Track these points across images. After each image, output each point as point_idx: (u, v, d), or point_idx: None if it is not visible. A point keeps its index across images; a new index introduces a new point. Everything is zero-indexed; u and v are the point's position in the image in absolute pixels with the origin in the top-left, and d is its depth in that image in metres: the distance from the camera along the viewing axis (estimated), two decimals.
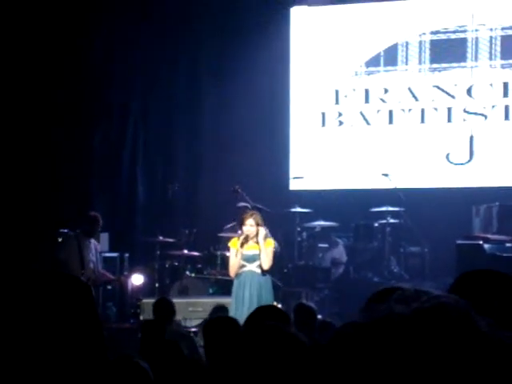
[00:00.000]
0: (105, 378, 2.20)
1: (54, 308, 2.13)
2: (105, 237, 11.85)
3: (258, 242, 8.77)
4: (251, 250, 8.80)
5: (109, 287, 11.57)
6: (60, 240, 11.26)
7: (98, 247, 10.93)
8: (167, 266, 11.86)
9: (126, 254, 12.21)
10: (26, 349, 2.07)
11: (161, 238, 11.83)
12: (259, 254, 8.78)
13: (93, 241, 10.80)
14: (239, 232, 9.08)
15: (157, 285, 11.62)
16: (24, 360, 2.06)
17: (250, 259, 8.79)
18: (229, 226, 11.58)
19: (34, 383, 2.04)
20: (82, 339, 2.14)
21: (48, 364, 2.07)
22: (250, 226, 8.76)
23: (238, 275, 8.86)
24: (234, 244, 8.93)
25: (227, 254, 10.96)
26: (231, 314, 8.11)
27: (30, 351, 2.07)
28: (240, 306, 8.58)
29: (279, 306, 9.09)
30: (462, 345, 1.02)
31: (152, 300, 9.19)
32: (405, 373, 1.01)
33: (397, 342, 1.03)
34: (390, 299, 1.11)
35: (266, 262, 8.78)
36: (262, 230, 8.83)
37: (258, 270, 8.78)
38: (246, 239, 8.79)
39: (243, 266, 8.81)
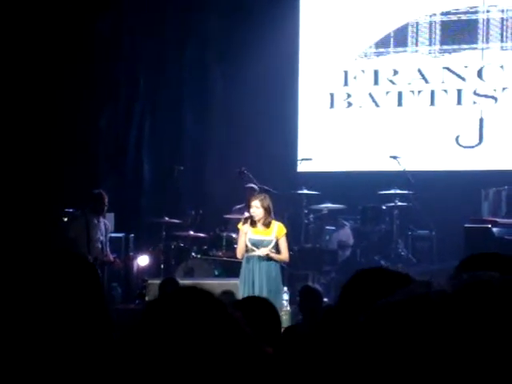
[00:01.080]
0: (109, 356, 2.16)
1: (60, 287, 2.10)
2: (110, 217, 11.81)
3: (267, 225, 8.64)
4: (260, 235, 8.68)
5: (117, 268, 11.56)
6: (66, 220, 11.24)
7: (109, 227, 10.91)
8: (173, 247, 11.82)
9: (132, 235, 12.19)
10: (33, 327, 2.04)
11: (167, 218, 11.79)
12: (269, 241, 8.65)
13: (103, 220, 10.79)
14: (245, 214, 8.99)
15: (162, 266, 11.59)
16: (32, 337, 2.03)
17: (259, 244, 8.66)
18: (237, 207, 11.53)
19: (42, 362, 2.01)
20: (87, 318, 2.10)
21: (55, 342, 2.04)
22: (255, 207, 8.63)
23: (247, 259, 8.73)
24: (240, 226, 8.84)
25: (233, 235, 10.93)
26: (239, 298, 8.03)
27: (37, 329, 2.04)
28: (249, 292, 8.45)
29: (285, 289, 9.03)
30: (505, 321, 0.98)
31: (158, 281, 9.17)
32: (443, 351, 0.98)
33: (438, 320, 1.00)
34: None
35: (286, 255, 8.71)
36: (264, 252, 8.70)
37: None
38: (253, 221, 8.67)
39: (252, 250, 8.70)
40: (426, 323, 1.00)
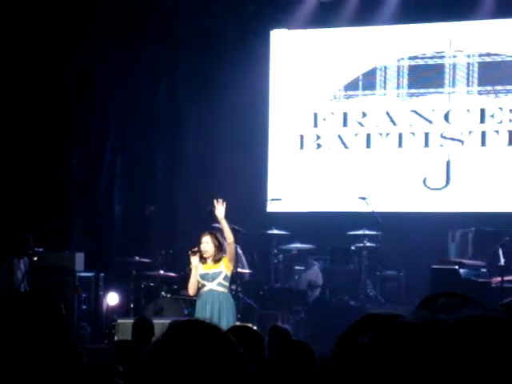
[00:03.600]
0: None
1: (25, 324, 2.12)
2: (80, 256, 11.80)
3: (216, 261, 8.72)
4: (210, 269, 8.74)
5: (84, 307, 11.51)
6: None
7: (27, 265, 10.90)
8: (143, 286, 11.80)
9: (102, 274, 12.16)
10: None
11: (137, 258, 11.79)
12: (219, 273, 8.73)
13: (22, 260, 10.83)
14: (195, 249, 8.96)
15: (132, 305, 11.56)
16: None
17: (210, 278, 8.73)
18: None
19: None
20: (53, 353, 2.12)
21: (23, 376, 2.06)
22: (205, 243, 8.70)
23: (198, 295, 8.83)
24: (192, 260, 8.86)
25: None
26: None
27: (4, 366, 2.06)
28: None
29: (255, 327, 9.07)
30: (509, 359, 1.02)
31: (127, 320, 9.14)
32: (444, 380, 1.01)
33: (441, 349, 1.02)
34: (434, 305, 1.12)
35: (228, 235, 8.80)
36: (222, 211, 8.84)
37: (219, 289, 8.74)
38: (203, 257, 8.71)
39: (203, 285, 8.76)
40: (439, 347, 1.02)
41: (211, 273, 8.73)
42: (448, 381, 1.01)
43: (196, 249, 8.76)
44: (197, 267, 8.74)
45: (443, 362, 1.01)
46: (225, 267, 8.75)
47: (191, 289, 8.88)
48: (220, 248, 8.74)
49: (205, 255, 8.68)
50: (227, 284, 8.84)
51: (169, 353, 1.68)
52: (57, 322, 2.24)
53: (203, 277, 8.74)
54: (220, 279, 8.73)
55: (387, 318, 2.11)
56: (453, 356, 1.01)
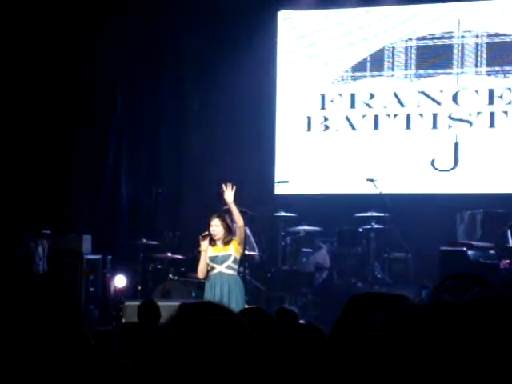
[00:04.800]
0: (88, 372, 2.18)
1: (38, 306, 2.11)
2: (88, 239, 11.79)
3: (226, 244, 8.71)
4: (220, 252, 8.74)
5: (91, 289, 11.52)
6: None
7: (46, 246, 10.87)
8: (150, 268, 11.81)
9: (109, 257, 12.15)
10: (12, 345, 2.05)
11: (144, 240, 11.79)
12: (228, 256, 8.73)
13: (40, 242, 10.79)
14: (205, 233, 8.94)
15: (139, 287, 11.57)
16: (10, 356, 2.04)
17: (219, 261, 8.73)
18: None
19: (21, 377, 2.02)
20: (63, 337, 2.11)
21: (32, 358, 2.05)
22: (215, 226, 8.70)
23: (207, 278, 8.82)
24: (202, 245, 8.86)
25: None
26: None
27: (15, 347, 2.05)
28: None
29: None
30: None
31: (135, 303, 9.14)
32: (450, 359, 1.02)
33: (447, 330, 1.03)
34: (440, 287, 1.14)
35: (238, 219, 8.79)
36: (231, 195, 8.84)
37: (228, 271, 8.73)
38: (212, 240, 8.71)
39: (212, 268, 8.76)
40: (447, 328, 1.03)
41: (221, 255, 8.73)
42: (454, 361, 1.00)
43: (206, 233, 8.76)
44: (206, 251, 8.74)
45: (449, 343, 1.01)
46: (234, 250, 8.75)
47: (201, 272, 8.88)
48: (229, 230, 8.75)
49: (215, 238, 8.69)
50: (236, 267, 8.84)
51: (179, 335, 1.65)
52: (68, 307, 2.22)
53: (213, 259, 8.74)
54: (229, 262, 8.73)
55: (385, 298, 2.10)
56: (459, 337, 1.01)
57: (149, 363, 1.66)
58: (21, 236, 11.24)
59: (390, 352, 1.05)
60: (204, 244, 8.76)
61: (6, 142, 12.26)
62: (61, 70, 12.79)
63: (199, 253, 9.01)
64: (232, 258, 8.75)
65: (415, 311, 1.07)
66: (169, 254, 11.74)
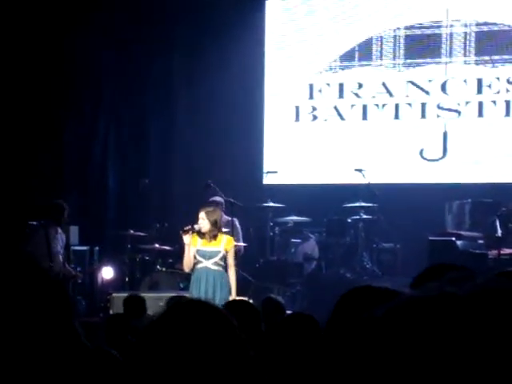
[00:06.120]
0: (79, 365, 2.15)
1: (25, 300, 2.07)
2: (75, 230, 11.73)
3: (214, 237, 8.66)
4: (207, 247, 8.70)
5: (79, 280, 11.46)
6: (27, 231, 11.07)
7: (64, 238, 10.70)
8: (138, 259, 11.76)
9: (96, 248, 12.10)
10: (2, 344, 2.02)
11: (132, 231, 11.74)
12: (217, 252, 8.69)
13: (60, 231, 10.59)
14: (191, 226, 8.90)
15: (127, 279, 11.53)
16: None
17: (206, 255, 8.69)
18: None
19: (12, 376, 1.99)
20: (53, 331, 2.08)
21: (21, 356, 2.02)
22: (201, 219, 8.68)
23: (193, 271, 8.79)
24: (185, 238, 8.82)
25: None
26: None
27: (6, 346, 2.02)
28: None
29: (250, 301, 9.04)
30: None
31: (122, 294, 9.10)
32: (454, 353, 1.00)
33: (451, 322, 1.01)
34: (442, 278, 1.11)
35: (232, 269, 8.77)
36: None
37: (214, 267, 8.70)
38: (202, 233, 8.67)
39: (199, 262, 8.72)
40: (454, 320, 1.01)
41: (209, 251, 8.69)
42: (461, 352, 0.99)
43: (187, 228, 8.73)
44: (189, 245, 8.70)
45: (455, 335, 0.98)
46: (224, 247, 8.71)
47: (186, 266, 8.87)
48: (215, 224, 8.70)
49: (201, 231, 8.65)
50: (223, 263, 8.81)
51: (168, 334, 1.64)
52: (60, 299, 2.18)
53: (200, 253, 8.70)
54: (217, 258, 8.71)
55: (377, 291, 2.07)
56: (464, 328, 0.98)
57: (137, 360, 1.66)
58: (19, 228, 11.14)
59: (394, 344, 1.02)
60: (186, 239, 8.73)
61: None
62: (47, 60, 12.69)
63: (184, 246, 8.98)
64: (220, 255, 8.72)
65: (419, 302, 1.04)
66: (156, 245, 11.68)
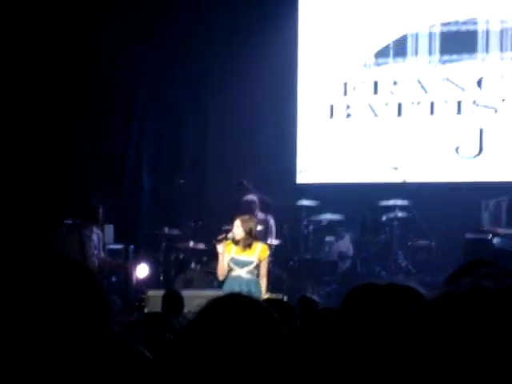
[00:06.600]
0: (109, 362, 2.15)
1: (59, 293, 2.07)
2: (110, 228, 11.79)
3: (248, 246, 8.65)
4: (241, 255, 8.72)
5: (113, 279, 11.51)
6: (63, 231, 11.14)
7: (101, 237, 10.75)
8: (172, 258, 11.80)
9: (131, 246, 12.15)
10: (33, 335, 2.02)
11: (166, 230, 11.77)
12: (250, 262, 8.69)
13: (95, 230, 10.63)
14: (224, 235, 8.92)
15: (162, 277, 11.57)
16: (31, 345, 2.01)
17: (240, 264, 8.70)
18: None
19: (42, 368, 1.99)
20: (87, 325, 2.08)
21: (54, 349, 2.01)
22: (236, 226, 8.73)
23: (226, 279, 8.80)
24: (219, 247, 8.83)
25: None
26: None
27: (37, 337, 2.02)
28: None
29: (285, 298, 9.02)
30: None
31: (157, 292, 9.13)
32: (490, 347, 1.00)
33: (483, 317, 1.01)
34: (477, 273, 1.09)
35: (264, 280, 8.77)
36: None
37: (247, 276, 8.71)
38: (237, 241, 8.68)
39: (232, 269, 8.73)
40: (489, 315, 1.01)
41: (242, 259, 8.71)
42: (496, 347, 0.98)
43: (221, 237, 8.76)
44: (223, 254, 8.71)
45: (489, 330, 0.97)
46: (258, 256, 8.70)
47: (220, 274, 8.91)
48: (250, 233, 8.70)
49: (235, 238, 8.67)
50: (257, 272, 8.82)
51: (208, 328, 1.63)
52: (97, 298, 2.19)
53: (234, 261, 8.73)
54: (250, 267, 8.73)
55: (383, 288, 2.05)
56: (499, 323, 0.96)
57: (177, 357, 1.64)
58: (55, 226, 11.21)
59: (428, 340, 1.03)
60: (220, 248, 8.76)
61: (31, 132, 12.26)
62: (85, 58, 12.73)
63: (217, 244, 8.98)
64: (254, 265, 8.73)
65: (452, 298, 1.05)
66: (191, 244, 11.71)
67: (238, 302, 1.70)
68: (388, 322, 1.73)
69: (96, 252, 10.52)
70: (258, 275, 8.83)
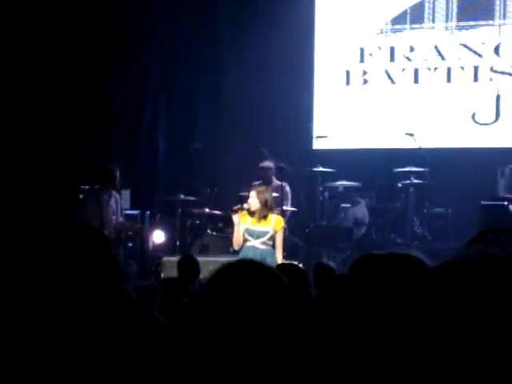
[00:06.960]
0: (121, 328, 2.17)
1: (74, 257, 2.10)
2: (126, 194, 11.81)
3: (264, 217, 8.66)
4: (256, 226, 8.72)
5: (129, 244, 11.57)
6: (81, 197, 11.12)
7: (119, 199, 10.64)
8: (188, 224, 11.82)
9: (147, 212, 12.19)
10: (46, 299, 2.04)
11: (182, 196, 11.78)
12: (265, 232, 8.70)
13: (114, 194, 10.49)
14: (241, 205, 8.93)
15: (178, 243, 11.59)
16: (45, 307, 2.03)
17: (254, 234, 8.71)
18: (256, 183, 11.50)
19: (55, 331, 2.02)
20: (100, 289, 2.10)
21: (67, 311, 2.04)
22: (251, 197, 8.72)
23: (241, 249, 8.81)
24: (235, 217, 8.84)
25: None
26: None
27: (52, 299, 2.04)
28: None
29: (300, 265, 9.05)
30: None
31: (173, 258, 9.18)
32: (496, 315, 1.00)
33: (493, 284, 1.01)
34: (485, 240, 1.10)
35: (280, 251, 8.76)
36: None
37: (261, 247, 8.72)
38: (252, 212, 8.68)
39: (247, 240, 8.75)
40: (496, 283, 1.00)
41: (257, 230, 8.71)
42: (500, 313, 0.98)
43: (236, 207, 8.77)
44: (238, 224, 8.73)
45: (495, 297, 0.97)
46: (273, 227, 8.71)
47: (236, 244, 8.91)
48: (265, 204, 8.70)
49: (251, 209, 8.68)
50: (271, 243, 8.81)
51: (221, 293, 1.65)
52: (106, 258, 2.21)
53: (249, 232, 8.73)
54: (265, 238, 8.73)
55: (384, 258, 2.06)
56: (505, 290, 0.97)
57: (191, 323, 1.67)
58: (73, 192, 11.20)
59: (432, 308, 1.03)
60: (235, 218, 8.77)
61: (47, 100, 12.27)
62: (93, 30, 12.70)
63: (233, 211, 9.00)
64: (269, 235, 8.73)
65: (457, 266, 1.04)
66: (206, 210, 11.71)
67: (249, 268, 1.72)
68: (390, 292, 1.74)
69: (114, 217, 10.49)
70: (273, 246, 8.86)
